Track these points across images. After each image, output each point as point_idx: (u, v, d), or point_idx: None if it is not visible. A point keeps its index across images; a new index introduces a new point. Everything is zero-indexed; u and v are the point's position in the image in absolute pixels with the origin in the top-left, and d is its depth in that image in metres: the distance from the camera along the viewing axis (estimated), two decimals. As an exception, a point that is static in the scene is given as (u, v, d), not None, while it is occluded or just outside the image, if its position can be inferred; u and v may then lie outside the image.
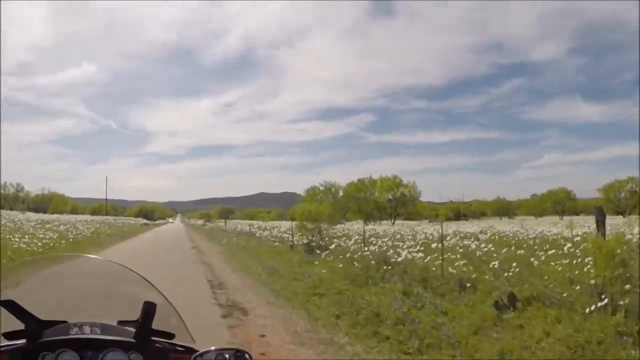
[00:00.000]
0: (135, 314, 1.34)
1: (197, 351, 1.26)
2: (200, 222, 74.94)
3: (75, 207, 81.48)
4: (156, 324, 1.34)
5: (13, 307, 1.31)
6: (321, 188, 55.90)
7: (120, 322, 1.40)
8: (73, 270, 1.81)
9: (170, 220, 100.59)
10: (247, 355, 1.25)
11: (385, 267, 9.21)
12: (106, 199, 77.11)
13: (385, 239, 13.95)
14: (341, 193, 55.87)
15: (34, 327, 1.34)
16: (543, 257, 8.27)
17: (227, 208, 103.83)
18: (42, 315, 1.36)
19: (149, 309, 1.31)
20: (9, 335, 1.36)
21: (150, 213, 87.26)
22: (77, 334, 1.33)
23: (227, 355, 1.23)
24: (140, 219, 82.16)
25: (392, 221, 51.80)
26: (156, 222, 77.29)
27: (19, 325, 1.34)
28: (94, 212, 75.89)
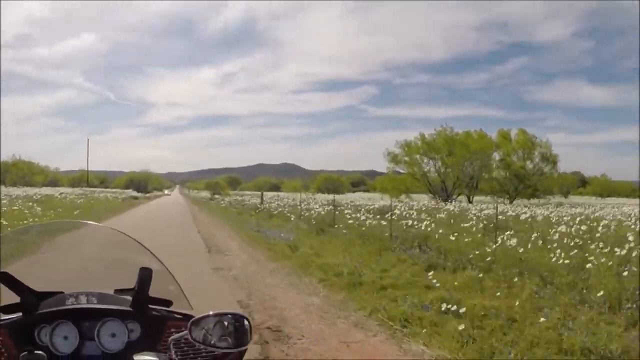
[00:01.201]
0: (132, 282, 1.32)
1: (194, 317, 1.20)
2: (205, 194, 61.38)
3: (55, 177, 67.59)
4: (153, 291, 1.32)
5: (8, 280, 1.29)
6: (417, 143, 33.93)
7: (117, 291, 1.39)
8: (69, 238, 1.71)
9: (166, 192, 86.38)
10: (245, 320, 1.21)
11: None
12: (87, 168, 63.59)
13: None
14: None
15: (30, 299, 1.32)
16: None
17: (234, 177, 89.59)
18: (39, 287, 1.34)
19: (145, 276, 1.29)
20: (5, 309, 1.33)
21: (143, 184, 73.06)
22: (73, 305, 1.32)
23: (225, 321, 1.19)
24: (131, 190, 68.56)
25: (511, 200, 33.31)
26: (148, 195, 63.33)
27: (15, 298, 1.31)
28: (73, 184, 62.52)
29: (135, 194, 63.19)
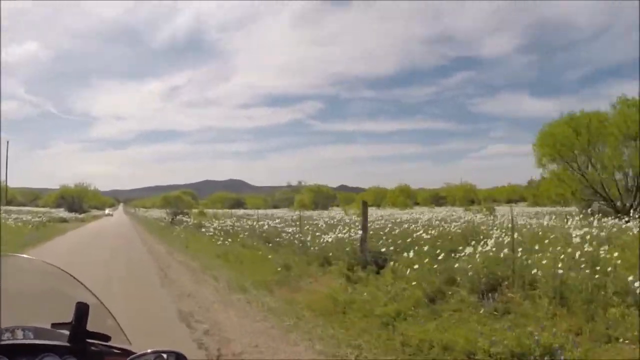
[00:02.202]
0: (68, 316, 1.29)
1: (133, 353, 1.21)
2: (158, 214, 48.34)
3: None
4: (91, 326, 1.30)
5: None
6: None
7: (54, 325, 1.36)
8: (2, 270, 1.57)
9: (107, 211, 71.25)
10: (183, 358, 1.22)
11: None
12: (6, 181, 49.15)
13: None
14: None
15: None
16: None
17: (190, 193, 75.60)
18: None
19: (82, 310, 1.27)
20: None
21: (77, 201, 58.40)
22: (9, 340, 1.28)
23: (164, 357, 1.19)
24: (61, 210, 54.01)
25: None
26: (82, 216, 49.21)
27: None
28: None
29: (65, 214, 48.98)
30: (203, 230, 21.52)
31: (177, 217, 31.73)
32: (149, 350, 1.17)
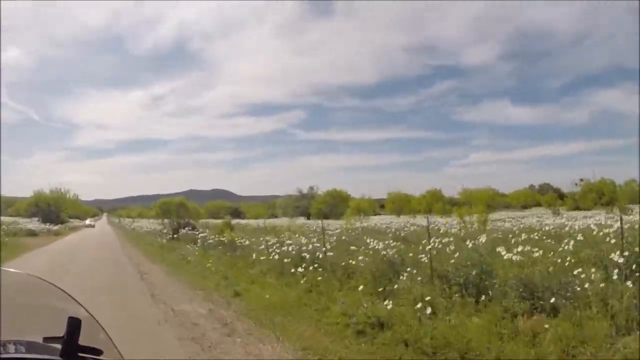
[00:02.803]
0: (60, 330, 1.26)
1: None
2: (149, 225, 40.02)
3: None
4: (83, 340, 1.27)
5: None
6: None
7: (45, 339, 1.33)
8: None
9: (88, 221, 61.75)
10: None
11: None
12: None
13: None
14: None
15: None
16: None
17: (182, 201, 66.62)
18: None
19: (74, 325, 1.25)
20: None
21: (54, 209, 49.10)
22: (1, 354, 1.25)
23: None
24: (34, 220, 45.11)
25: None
26: (58, 228, 40.14)
27: None
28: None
29: (37, 225, 40.03)
30: (252, 258, 12.62)
31: (183, 230, 23.48)
32: None
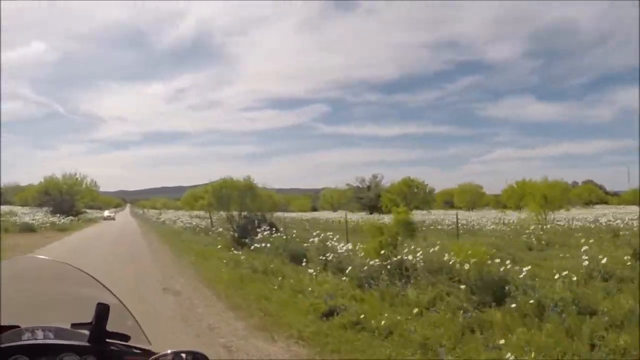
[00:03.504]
0: (88, 316, 1.29)
1: (153, 353, 1.20)
2: (183, 217, 31.19)
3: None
4: (111, 326, 1.29)
5: None
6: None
7: (74, 325, 1.35)
8: (21, 271, 1.64)
9: (107, 213, 52.12)
10: (204, 359, 1.18)
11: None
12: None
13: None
14: None
15: None
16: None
17: (248, 185, 57.00)
18: None
19: (103, 311, 1.27)
20: None
21: (68, 198, 39.91)
22: (29, 339, 1.27)
23: (183, 357, 1.15)
24: (41, 210, 36.30)
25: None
26: (64, 223, 30.20)
27: None
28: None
29: (35, 217, 30.19)
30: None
31: (258, 229, 13.71)
32: (169, 351, 1.16)
